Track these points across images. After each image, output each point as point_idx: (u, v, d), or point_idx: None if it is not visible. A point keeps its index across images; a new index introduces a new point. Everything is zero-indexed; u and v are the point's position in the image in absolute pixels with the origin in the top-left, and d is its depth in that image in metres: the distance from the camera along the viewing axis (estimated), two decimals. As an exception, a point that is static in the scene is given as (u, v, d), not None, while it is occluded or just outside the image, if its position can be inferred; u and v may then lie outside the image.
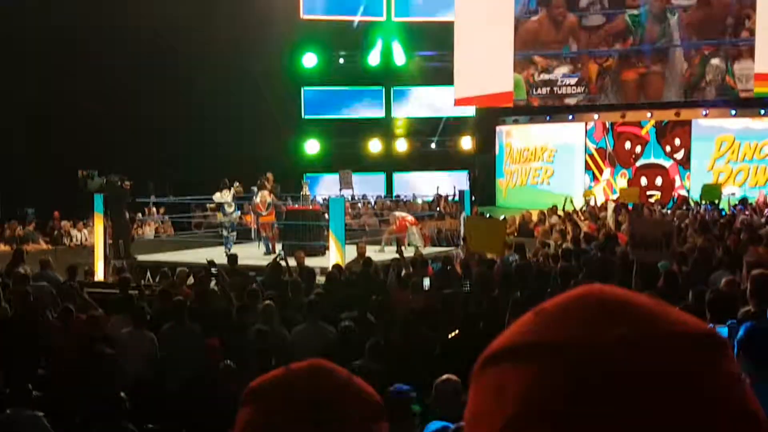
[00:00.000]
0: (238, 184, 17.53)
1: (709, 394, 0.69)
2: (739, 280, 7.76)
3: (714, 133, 25.63)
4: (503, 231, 12.76)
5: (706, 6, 25.12)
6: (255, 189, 17.15)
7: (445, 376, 5.10)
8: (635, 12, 26.32)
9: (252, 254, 15.95)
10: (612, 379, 0.68)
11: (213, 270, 10.71)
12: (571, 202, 19.69)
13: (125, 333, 7.88)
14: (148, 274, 14.99)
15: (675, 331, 0.71)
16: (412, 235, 16.94)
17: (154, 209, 20.81)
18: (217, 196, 16.67)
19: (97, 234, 15.95)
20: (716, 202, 20.08)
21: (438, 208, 23.21)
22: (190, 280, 11.26)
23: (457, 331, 7.46)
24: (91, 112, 23.30)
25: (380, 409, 1.03)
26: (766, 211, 18.35)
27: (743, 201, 19.91)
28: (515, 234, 18.02)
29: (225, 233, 16.56)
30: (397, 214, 18.33)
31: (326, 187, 24.85)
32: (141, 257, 16.17)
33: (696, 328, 0.72)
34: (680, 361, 0.69)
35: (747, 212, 17.70)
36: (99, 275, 15.11)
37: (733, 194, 22.25)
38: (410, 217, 17.88)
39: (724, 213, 17.98)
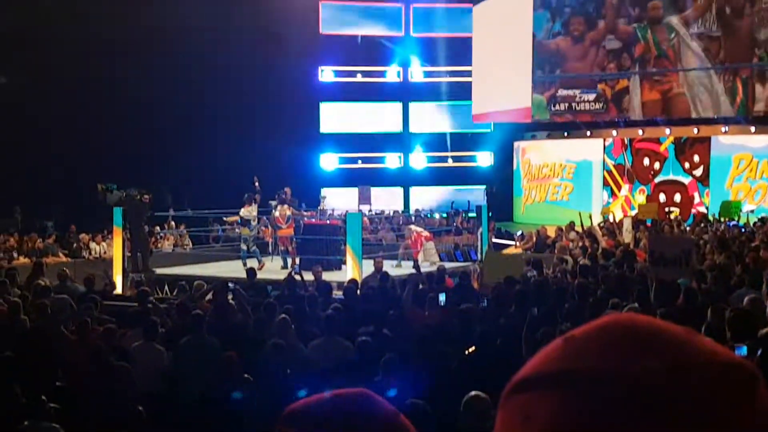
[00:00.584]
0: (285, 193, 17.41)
1: (738, 428, 0.68)
2: (761, 299, 7.70)
3: (733, 150, 25.50)
4: (521, 264, 12.75)
5: (731, 35, 24.93)
6: (273, 203, 17.20)
7: (473, 393, 5.07)
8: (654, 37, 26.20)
9: (269, 268, 16.00)
10: (642, 411, 0.68)
11: (230, 284, 10.73)
12: (589, 218, 19.57)
13: (136, 346, 7.90)
14: (166, 287, 15.06)
15: (706, 361, 0.70)
16: (428, 250, 16.92)
17: (173, 223, 20.91)
18: (244, 211, 16.69)
19: (116, 247, 16.05)
20: (735, 219, 19.94)
21: (455, 224, 23.18)
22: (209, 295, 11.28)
23: (473, 348, 7.43)
24: (110, 126, 23.51)
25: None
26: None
27: (762, 219, 19.74)
28: (532, 249, 17.95)
29: (245, 247, 16.54)
30: (413, 228, 18.32)
31: (343, 201, 24.89)
32: (159, 270, 16.25)
33: (728, 360, 0.71)
34: (712, 393, 0.68)
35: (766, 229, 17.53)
36: (118, 288, 15.17)
37: (752, 211, 22.09)
38: (425, 233, 17.86)
39: (743, 230, 17.84)
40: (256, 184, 17.05)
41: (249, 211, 16.64)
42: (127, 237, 15.94)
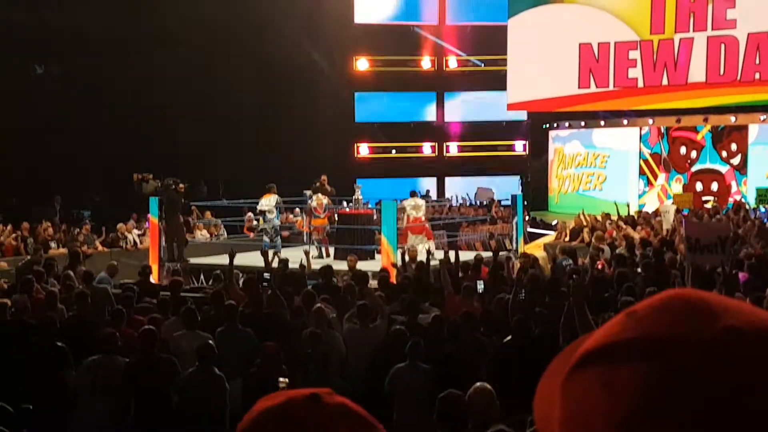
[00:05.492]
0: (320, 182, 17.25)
1: None
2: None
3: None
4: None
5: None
6: (309, 192, 17.19)
7: (479, 384, 5.08)
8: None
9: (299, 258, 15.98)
10: (727, 369, 0.69)
11: (266, 275, 10.76)
12: (627, 207, 19.42)
13: (179, 335, 7.96)
14: (202, 276, 15.17)
15: (758, 332, 0.72)
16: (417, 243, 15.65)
17: (208, 213, 21.04)
18: (263, 203, 16.68)
19: (152, 237, 16.20)
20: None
21: (490, 213, 23.09)
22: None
23: (510, 337, 7.40)
24: (147, 116, 23.73)
25: (374, 428, 1.03)
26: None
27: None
28: (567, 239, 17.83)
29: (266, 239, 16.52)
30: (408, 206, 16.44)
31: (377, 191, 24.90)
32: (194, 260, 16.36)
33: None
34: None
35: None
36: (154, 278, 15.32)
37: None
38: (427, 225, 16.81)
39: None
40: (321, 185, 16.97)
41: (267, 203, 16.61)
42: (162, 227, 16.07)
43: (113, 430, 6.88)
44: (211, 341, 7.35)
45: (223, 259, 15.22)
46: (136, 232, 18.72)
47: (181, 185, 16.43)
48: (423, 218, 16.55)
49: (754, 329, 0.72)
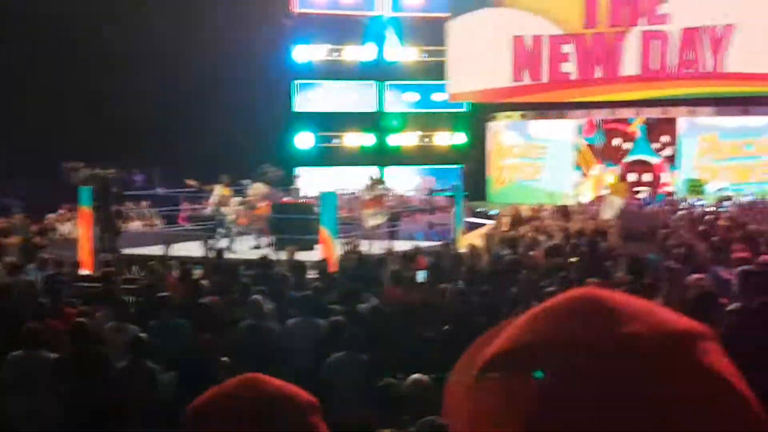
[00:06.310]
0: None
1: (694, 390, 0.71)
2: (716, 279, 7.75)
3: (700, 130, 25.85)
4: None
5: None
6: (248, 181, 16.99)
7: (416, 376, 5.08)
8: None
9: (239, 248, 15.84)
10: (626, 378, 0.70)
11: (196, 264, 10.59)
12: (563, 196, 19.70)
13: (109, 327, 7.76)
14: (136, 267, 14.84)
15: (668, 328, 0.74)
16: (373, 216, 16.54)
17: (143, 202, 20.63)
18: (219, 190, 16.47)
19: (83, 227, 15.80)
20: (701, 197, 20.16)
21: (430, 203, 23.18)
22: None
23: (448, 326, 7.41)
24: (79, 104, 23.15)
25: (312, 407, 1.11)
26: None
27: (728, 197, 19.98)
28: (506, 229, 17.96)
29: (221, 230, 16.28)
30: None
31: (317, 180, 24.77)
32: (128, 250, 16.02)
33: (687, 325, 0.75)
34: (672, 358, 0.72)
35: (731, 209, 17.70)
36: (86, 269, 14.96)
37: (722, 189, 22.40)
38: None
39: (711, 208, 17.98)
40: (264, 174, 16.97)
41: (221, 191, 16.41)
42: (95, 217, 15.70)
43: (40, 429, 6.66)
44: (143, 334, 7.18)
45: (158, 250, 15.00)
46: (68, 224, 18.26)
47: (112, 171, 16.07)
48: (376, 198, 16.97)
49: (655, 336, 0.72)
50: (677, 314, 0.77)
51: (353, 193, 17.84)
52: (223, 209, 16.41)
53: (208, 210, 16.91)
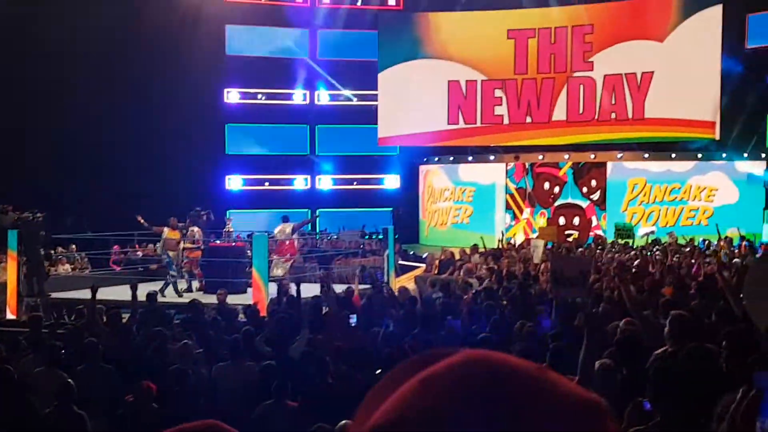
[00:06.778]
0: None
1: None
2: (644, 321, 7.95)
3: (628, 175, 26.57)
4: None
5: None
6: (182, 225, 16.87)
7: (346, 422, 5.09)
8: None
9: (170, 292, 15.65)
10: None
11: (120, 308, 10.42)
12: (495, 240, 19.93)
13: (37, 372, 7.59)
14: (64, 312, 14.51)
15: (559, 402, 0.73)
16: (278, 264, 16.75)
17: (73, 246, 20.24)
18: (165, 234, 16.35)
19: (10, 271, 15.42)
20: (630, 241, 20.62)
21: (362, 246, 23.26)
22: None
23: (380, 370, 7.43)
24: (6, 147, 22.68)
25: None
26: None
27: (656, 241, 20.49)
28: (437, 272, 18.11)
29: (173, 273, 16.09)
30: (277, 231, 17.65)
31: (250, 223, 24.64)
32: (56, 295, 15.67)
33: (578, 398, 0.74)
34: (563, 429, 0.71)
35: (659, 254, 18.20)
36: (12, 313, 14.59)
37: (653, 232, 22.97)
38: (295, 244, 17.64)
39: (641, 252, 18.41)
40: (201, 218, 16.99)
41: (174, 234, 16.33)
42: (21, 260, 15.37)
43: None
44: (70, 380, 7.04)
45: (86, 294, 14.68)
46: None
47: (39, 215, 15.78)
48: (288, 241, 17.23)
49: (530, 412, 0.71)
50: (566, 382, 0.76)
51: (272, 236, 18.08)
52: (170, 252, 16.27)
53: (159, 251, 16.85)
